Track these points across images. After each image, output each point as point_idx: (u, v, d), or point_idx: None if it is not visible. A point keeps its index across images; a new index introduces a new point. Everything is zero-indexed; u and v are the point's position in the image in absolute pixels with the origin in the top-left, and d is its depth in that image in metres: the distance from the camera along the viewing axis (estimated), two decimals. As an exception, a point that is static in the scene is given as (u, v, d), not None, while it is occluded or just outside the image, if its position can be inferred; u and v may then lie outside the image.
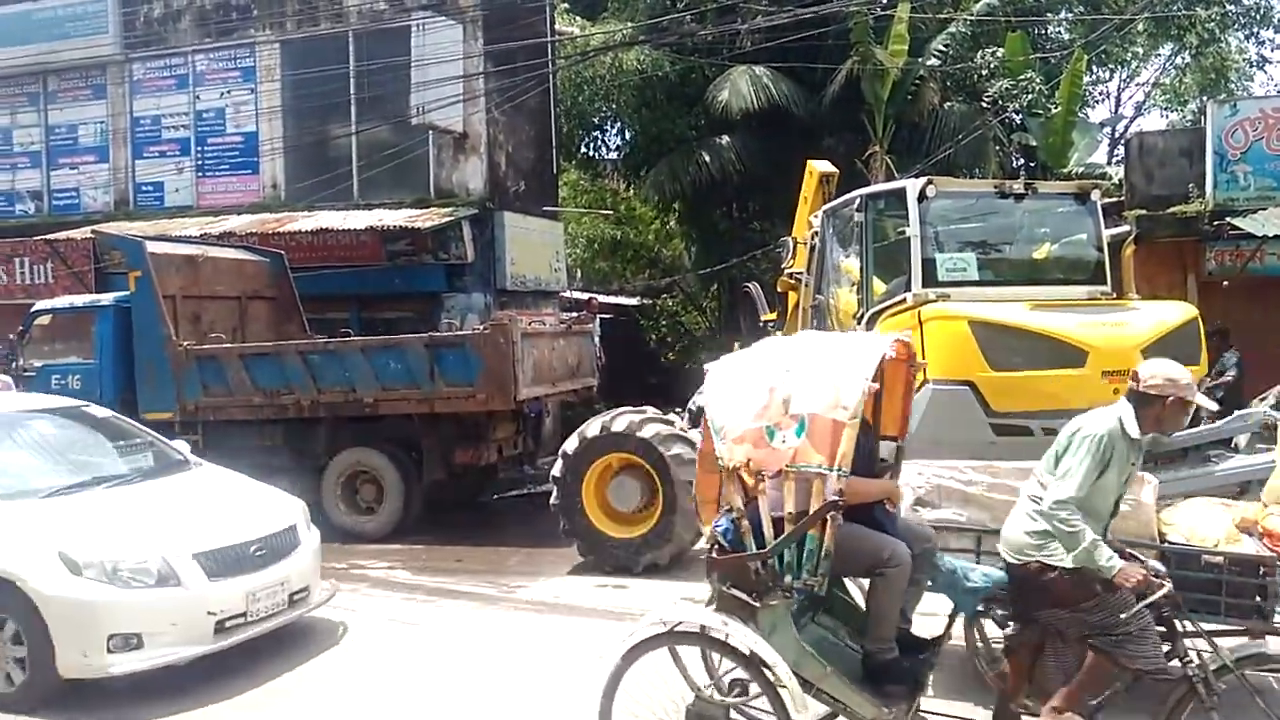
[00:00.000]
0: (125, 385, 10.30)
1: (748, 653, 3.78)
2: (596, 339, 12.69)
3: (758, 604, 3.80)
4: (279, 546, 6.05)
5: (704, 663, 4.26)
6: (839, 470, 3.66)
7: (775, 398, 3.84)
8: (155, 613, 5.33)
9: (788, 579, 3.79)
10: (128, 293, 10.48)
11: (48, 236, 15.47)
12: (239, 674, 5.70)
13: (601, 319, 15.92)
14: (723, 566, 3.93)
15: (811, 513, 3.71)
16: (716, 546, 3.97)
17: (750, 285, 12.15)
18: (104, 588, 5.24)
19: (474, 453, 9.94)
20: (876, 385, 3.96)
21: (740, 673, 3.98)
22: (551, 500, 8.13)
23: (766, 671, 3.75)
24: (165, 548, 5.48)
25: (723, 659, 4.06)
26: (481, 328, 10.14)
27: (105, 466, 6.42)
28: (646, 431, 7.81)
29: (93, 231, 13.67)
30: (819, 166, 10.54)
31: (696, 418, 10.06)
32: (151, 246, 10.62)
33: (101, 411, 7.25)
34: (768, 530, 3.79)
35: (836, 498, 3.68)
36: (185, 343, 10.19)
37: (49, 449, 6.42)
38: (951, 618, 4.42)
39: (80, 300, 11.46)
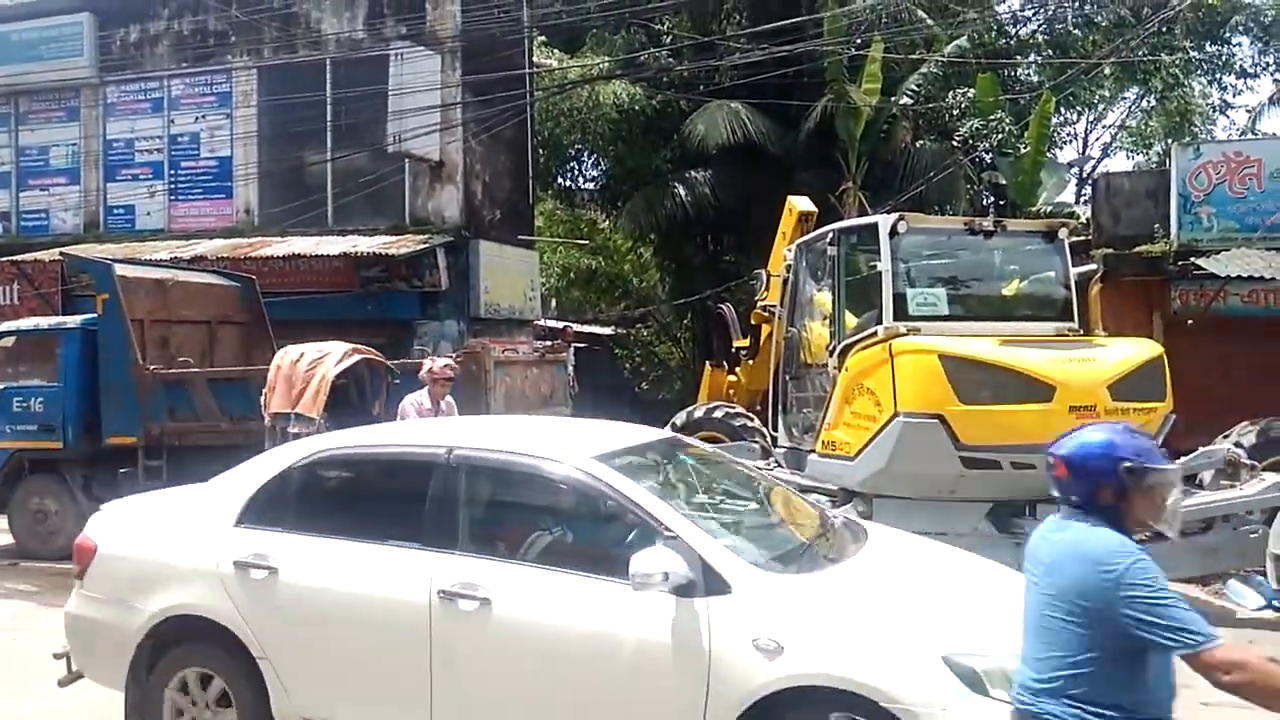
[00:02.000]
0: (89, 409, 10.12)
1: None
2: (571, 368, 12.66)
3: None
4: None
5: None
6: None
7: None
8: None
9: None
10: (95, 315, 10.34)
11: (15, 258, 15.29)
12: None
13: (576, 348, 15.91)
14: None
15: None
16: None
17: (724, 306, 12.16)
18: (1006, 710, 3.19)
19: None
20: None
21: None
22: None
23: None
24: (1005, 644, 3.43)
25: None
26: (454, 355, 10.08)
27: (781, 521, 4.65)
28: (618, 462, 7.77)
29: (61, 254, 13.52)
30: (799, 204, 10.59)
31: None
32: (120, 270, 10.47)
33: (696, 445, 5.58)
34: None
35: None
36: (152, 366, 10.04)
37: (714, 497, 4.65)
38: None
39: (46, 322, 11.27)
